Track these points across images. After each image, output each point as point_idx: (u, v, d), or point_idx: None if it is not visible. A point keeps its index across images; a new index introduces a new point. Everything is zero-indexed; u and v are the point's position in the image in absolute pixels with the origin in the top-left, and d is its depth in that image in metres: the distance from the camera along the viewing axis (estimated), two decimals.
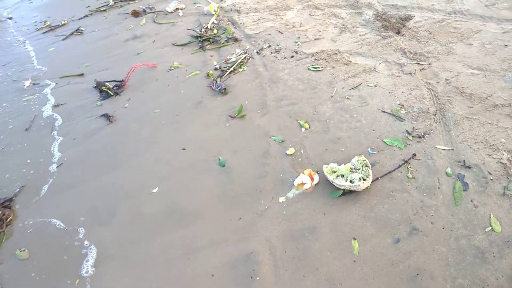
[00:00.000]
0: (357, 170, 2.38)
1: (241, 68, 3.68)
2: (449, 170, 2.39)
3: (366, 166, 2.38)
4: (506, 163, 2.34)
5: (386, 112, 2.87)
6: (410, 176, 2.40)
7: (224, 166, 2.71)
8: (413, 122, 2.76)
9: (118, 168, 2.87)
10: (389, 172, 2.45)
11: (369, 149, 2.63)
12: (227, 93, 3.37)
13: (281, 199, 2.43)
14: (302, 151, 2.70)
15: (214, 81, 3.49)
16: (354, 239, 2.14)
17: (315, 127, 2.86)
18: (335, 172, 2.41)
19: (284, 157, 2.68)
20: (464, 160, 2.42)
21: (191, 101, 3.35)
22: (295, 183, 2.46)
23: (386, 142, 2.64)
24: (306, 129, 2.86)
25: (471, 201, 2.21)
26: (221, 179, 2.62)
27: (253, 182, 2.55)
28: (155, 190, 2.64)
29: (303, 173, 2.53)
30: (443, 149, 2.53)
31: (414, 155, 2.52)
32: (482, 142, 2.52)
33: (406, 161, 2.49)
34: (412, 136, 2.65)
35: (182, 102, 3.36)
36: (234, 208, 2.42)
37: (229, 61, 3.83)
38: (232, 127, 3.00)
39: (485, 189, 2.24)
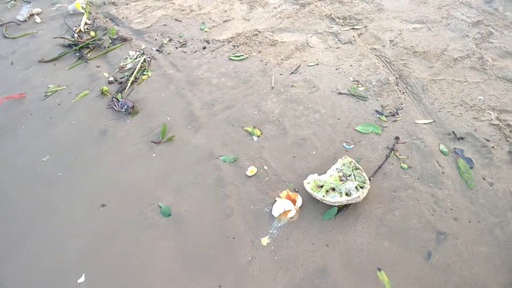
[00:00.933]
0: (348, 177, 1.84)
1: (144, 74, 2.83)
2: (442, 147, 2.01)
3: (356, 168, 1.86)
4: (498, 124, 2.05)
5: (343, 93, 2.39)
6: (405, 166, 1.95)
7: (169, 215, 1.94)
8: (378, 98, 2.33)
9: (6, 264, 1.87)
10: (379, 168, 1.97)
11: (344, 144, 2.11)
12: (137, 112, 2.52)
13: (264, 241, 1.78)
14: (265, 167, 2.07)
15: (115, 99, 2.60)
16: (379, 269, 1.62)
17: (268, 132, 2.24)
18: (321, 186, 1.84)
19: (246, 181, 2.02)
20: (453, 132, 2.07)
21: (90, 134, 2.42)
22: (275, 213, 1.83)
23: (359, 131, 2.16)
24: (258, 136, 2.23)
25: (484, 179, 1.85)
26: (172, 236, 1.86)
27: (218, 227, 1.85)
28: (81, 280, 1.74)
29: (279, 197, 1.91)
30: (424, 123, 2.15)
31: (397, 138, 2.08)
32: (461, 105, 2.20)
33: (392, 149, 2.04)
34: (385, 116, 2.21)
35: (78, 138, 2.40)
36: (204, 274, 1.70)
37: (125, 68, 2.94)
38: (161, 156, 2.21)
39: (491, 160, 1.91)
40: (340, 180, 1.83)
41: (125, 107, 2.50)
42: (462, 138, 2.03)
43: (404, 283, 1.57)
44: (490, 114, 2.11)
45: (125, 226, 1.92)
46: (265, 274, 1.67)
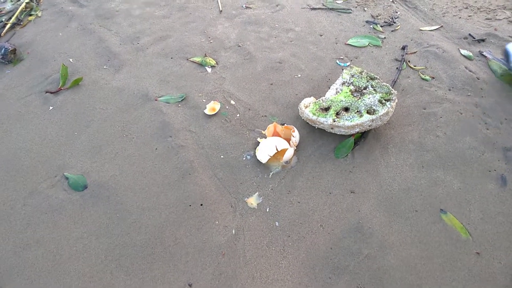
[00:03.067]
0: (364, 90, 1.22)
1: (31, 15, 1.96)
2: (465, 52, 1.50)
3: (372, 78, 1.26)
4: None
5: (318, 9, 1.79)
6: (427, 77, 1.40)
7: (84, 187, 1.14)
8: (365, 9, 1.77)
9: None
10: (394, 83, 1.39)
11: (337, 61, 1.50)
12: (21, 59, 1.66)
13: (253, 201, 1.08)
14: (232, 102, 1.37)
15: None
16: (443, 211, 1.02)
17: (227, 59, 1.55)
18: (327, 108, 1.20)
19: (206, 123, 1.30)
20: (470, 34, 1.58)
21: None
22: (262, 159, 1.13)
23: (352, 44, 1.57)
24: (213, 66, 1.52)
25: None
26: (92, 219, 1.06)
27: (171, 193, 1.10)
28: None
29: (263, 135, 1.23)
30: (431, 30, 1.63)
31: (405, 47, 1.53)
32: (466, 8, 1.74)
33: (403, 59, 1.48)
34: (380, 26, 1.66)
35: None
36: (160, 270, 0.95)
37: (2, 12, 2.03)
38: (63, 109, 1.39)
39: None
40: (353, 96, 1.21)
41: (2, 51, 1.63)
42: (483, 40, 1.54)
43: (482, 225, 0.99)
44: (504, 12, 1.67)
45: (3, 217, 1.08)
46: (267, 251, 0.97)
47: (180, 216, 1.06)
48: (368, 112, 1.15)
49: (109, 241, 1.02)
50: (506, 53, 1.37)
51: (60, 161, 1.23)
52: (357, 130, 1.15)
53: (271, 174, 1.14)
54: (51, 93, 1.47)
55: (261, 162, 1.16)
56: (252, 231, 1.02)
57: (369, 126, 1.15)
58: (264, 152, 1.14)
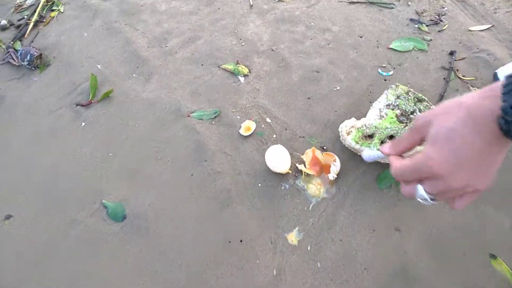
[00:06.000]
0: (410, 115, 1.14)
1: (54, 10, 1.89)
2: None
3: (420, 100, 1.17)
4: None
5: (357, 2, 1.65)
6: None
7: (124, 217, 1.14)
8: (409, 3, 1.62)
9: None
10: (442, 98, 1.30)
11: (379, 70, 1.40)
12: (48, 64, 1.62)
13: (293, 237, 1.06)
14: (267, 119, 1.31)
15: (11, 49, 1.66)
16: (493, 256, 0.98)
17: (260, 67, 1.47)
18: (371, 136, 1.13)
19: (242, 144, 1.26)
20: None
21: None
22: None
23: (396, 49, 1.45)
24: (245, 75, 1.45)
25: None
26: (133, 252, 1.08)
27: (210, 227, 1.09)
28: None
29: (303, 161, 1.18)
30: (483, 30, 1.48)
31: (454, 53, 1.41)
32: None
33: (452, 68, 1.36)
34: (426, 25, 1.52)
35: None
36: None
37: (24, 7, 1.97)
38: (96, 125, 1.37)
39: None
40: (400, 122, 1.13)
41: (28, 57, 1.59)
42: None
43: None
44: None
45: (48, 247, 1.11)
46: None
47: (220, 253, 1.05)
48: None
49: (152, 279, 1.03)
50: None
51: (97, 185, 1.22)
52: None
53: (311, 205, 1.11)
54: (82, 106, 1.44)
55: (301, 191, 1.12)
56: (293, 272, 1.01)
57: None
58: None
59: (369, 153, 0.78)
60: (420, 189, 0.50)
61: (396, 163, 0.54)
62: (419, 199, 0.52)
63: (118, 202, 1.18)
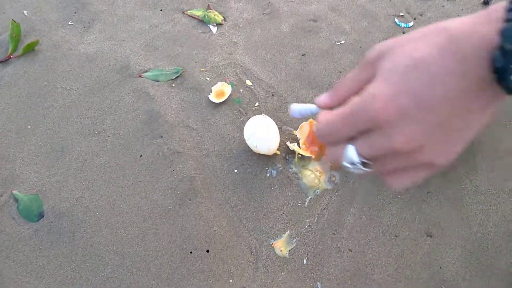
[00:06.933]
0: None
1: None
2: None
3: None
4: None
5: None
6: None
7: (40, 216, 0.79)
8: None
9: None
10: None
11: (395, 19, 1.07)
12: None
13: (281, 246, 0.74)
14: (247, 82, 0.97)
15: None
16: None
17: (239, 14, 1.11)
18: None
19: (212, 115, 0.91)
20: None
21: None
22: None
23: None
24: (219, 24, 1.09)
25: None
26: (49, 267, 0.74)
27: (164, 231, 0.76)
28: None
29: (296, 139, 0.85)
30: None
31: (489, 1, 1.09)
32: None
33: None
34: None
35: None
36: None
37: None
38: (13, 88, 1.00)
39: None
40: None
41: None
42: None
43: None
44: None
45: None
46: None
47: (177, 269, 0.72)
48: None
49: None
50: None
51: (8, 170, 0.87)
52: None
53: (307, 200, 0.79)
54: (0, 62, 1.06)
55: (294, 180, 0.80)
56: None
57: None
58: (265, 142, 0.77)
59: (298, 107, 0.45)
60: (350, 150, 0.34)
61: (323, 116, 0.36)
62: (346, 164, 0.36)
63: (34, 194, 0.82)
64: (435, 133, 0.31)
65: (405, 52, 0.32)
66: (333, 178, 0.81)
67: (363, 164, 0.35)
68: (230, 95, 0.93)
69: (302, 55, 1.00)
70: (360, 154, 0.34)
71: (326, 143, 0.37)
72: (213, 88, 0.94)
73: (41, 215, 0.80)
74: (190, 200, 0.79)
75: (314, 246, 0.74)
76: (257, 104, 0.92)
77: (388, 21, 1.06)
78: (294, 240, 0.75)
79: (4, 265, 0.76)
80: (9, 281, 0.74)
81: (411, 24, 1.05)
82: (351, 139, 0.35)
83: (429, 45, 0.31)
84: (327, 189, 0.80)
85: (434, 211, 0.77)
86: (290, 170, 0.82)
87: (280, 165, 0.83)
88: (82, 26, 1.12)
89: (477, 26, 0.30)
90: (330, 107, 0.39)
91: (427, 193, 0.79)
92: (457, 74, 0.29)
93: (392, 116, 0.30)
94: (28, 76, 1.02)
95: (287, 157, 0.83)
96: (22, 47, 1.06)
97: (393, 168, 0.34)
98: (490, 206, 0.76)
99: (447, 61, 0.30)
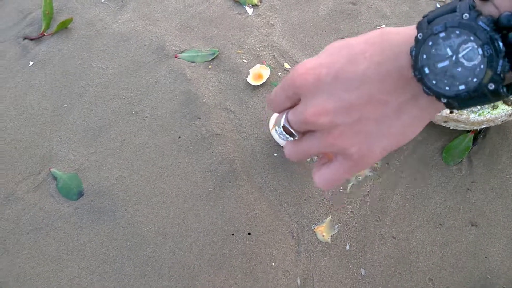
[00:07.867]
0: None
1: None
2: None
3: None
4: None
5: None
6: None
7: (79, 195, 0.80)
8: None
9: None
10: None
11: (437, 4, 1.04)
12: None
13: (324, 231, 0.74)
14: (286, 64, 0.95)
15: None
16: None
17: None
18: None
19: (250, 98, 0.90)
20: None
21: None
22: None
23: None
24: (255, 6, 1.06)
25: None
26: (94, 243, 0.74)
27: (203, 212, 0.76)
28: None
29: None
30: None
31: None
32: None
33: None
34: None
35: None
36: None
37: None
38: (47, 66, 0.99)
39: None
40: None
41: None
42: None
43: None
44: None
45: None
46: None
47: (219, 251, 0.72)
48: (505, 102, 0.74)
49: (118, 285, 0.70)
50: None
51: (45, 148, 0.87)
52: (484, 126, 0.76)
53: (349, 186, 0.78)
54: (31, 39, 1.05)
55: None
56: (326, 282, 0.69)
57: (502, 122, 0.75)
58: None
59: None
60: (284, 116, 0.36)
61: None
62: (276, 130, 0.37)
63: (73, 173, 0.82)
64: (347, 114, 0.31)
65: (344, 39, 0.35)
66: (375, 165, 0.80)
67: (286, 131, 0.36)
68: (268, 78, 0.92)
69: (341, 38, 0.98)
70: (287, 121, 0.35)
71: (271, 109, 0.39)
72: (250, 71, 0.93)
73: (80, 194, 0.80)
74: (230, 182, 0.79)
75: (357, 233, 0.73)
76: None
77: (430, 6, 1.03)
78: (337, 226, 0.74)
79: (44, 242, 0.76)
80: (50, 259, 0.75)
81: None
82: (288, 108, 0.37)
83: (363, 36, 0.33)
84: (369, 175, 0.79)
85: (479, 200, 0.75)
86: None
87: None
88: (116, 4, 1.10)
89: (411, 28, 0.31)
90: None
91: (472, 182, 0.77)
92: (378, 61, 0.30)
93: (309, 82, 0.32)
94: (63, 54, 1.01)
95: None
96: (56, 25, 1.06)
97: (308, 147, 0.35)
98: None
99: (372, 46, 0.31)
